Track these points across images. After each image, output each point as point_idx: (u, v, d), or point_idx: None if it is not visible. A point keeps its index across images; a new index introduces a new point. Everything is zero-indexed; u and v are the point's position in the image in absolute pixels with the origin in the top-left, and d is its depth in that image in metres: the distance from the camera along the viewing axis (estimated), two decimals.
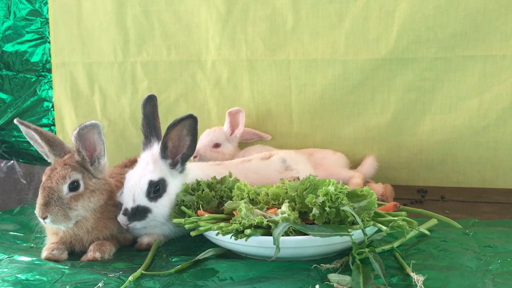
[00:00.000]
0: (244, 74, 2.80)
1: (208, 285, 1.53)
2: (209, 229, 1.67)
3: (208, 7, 2.77)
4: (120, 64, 2.97)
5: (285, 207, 1.64)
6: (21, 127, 1.91)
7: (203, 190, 1.88)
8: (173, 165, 1.90)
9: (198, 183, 1.92)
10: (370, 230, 1.65)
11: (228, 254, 1.75)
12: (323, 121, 2.74)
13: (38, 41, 3.08)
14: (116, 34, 2.93)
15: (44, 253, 1.81)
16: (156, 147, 1.92)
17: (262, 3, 2.70)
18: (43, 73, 3.12)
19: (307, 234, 1.55)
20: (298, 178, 1.92)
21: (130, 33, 2.91)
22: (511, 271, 1.55)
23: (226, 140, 2.66)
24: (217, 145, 2.63)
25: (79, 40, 3.00)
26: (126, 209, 1.84)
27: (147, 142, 1.95)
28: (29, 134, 1.92)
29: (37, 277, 1.61)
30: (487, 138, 2.56)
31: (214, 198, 1.87)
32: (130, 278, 1.56)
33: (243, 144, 2.80)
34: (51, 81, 3.11)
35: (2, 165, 3.39)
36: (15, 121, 1.93)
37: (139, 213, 1.84)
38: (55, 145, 1.91)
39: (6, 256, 1.81)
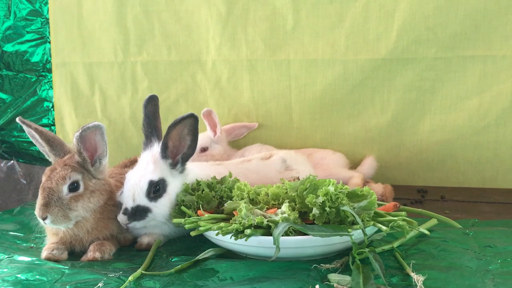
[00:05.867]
0: (244, 74, 2.80)
1: (208, 285, 1.53)
2: (209, 229, 1.67)
3: (209, 7, 2.77)
4: (120, 64, 2.97)
5: (285, 207, 1.65)
6: (23, 126, 1.91)
7: (203, 190, 1.88)
8: (173, 165, 1.90)
9: (198, 183, 1.92)
10: (370, 230, 1.65)
11: (228, 254, 1.75)
12: (323, 121, 2.74)
13: (39, 41, 3.08)
14: (116, 34, 2.93)
15: (44, 253, 1.82)
16: (156, 147, 1.92)
17: (262, 3, 2.70)
18: (43, 73, 3.12)
19: (307, 234, 1.55)
20: (298, 178, 1.92)
21: (130, 33, 2.91)
22: (511, 271, 1.55)
23: (212, 142, 2.66)
24: (204, 149, 2.63)
25: (80, 40, 3.00)
26: (126, 209, 1.84)
27: (147, 142, 1.96)
28: (30, 133, 1.93)
29: (37, 277, 1.61)
30: (487, 138, 2.56)
31: (214, 198, 1.87)
32: (130, 278, 1.56)
33: (242, 142, 2.81)
34: (51, 81, 3.11)
35: (2, 165, 3.39)
36: (17, 119, 1.93)
37: (139, 212, 1.84)
38: (55, 145, 1.91)
39: (6, 256, 1.81)
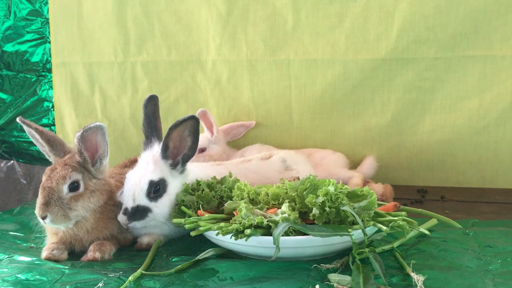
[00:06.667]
0: (244, 74, 2.80)
1: (208, 285, 1.53)
2: (209, 229, 1.67)
3: (209, 7, 2.78)
4: (120, 64, 2.97)
5: (285, 207, 1.64)
6: (23, 126, 1.91)
7: (203, 190, 1.88)
8: (173, 166, 1.90)
9: (198, 183, 1.92)
10: (370, 230, 1.65)
11: (228, 254, 1.75)
12: (323, 121, 2.75)
13: (39, 41, 3.08)
14: (117, 34, 2.93)
15: (44, 253, 1.81)
16: (156, 147, 1.92)
17: (262, 3, 2.70)
18: (43, 73, 3.12)
19: (307, 234, 1.55)
20: (298, 178, 1.92)
21: (130, 33, 2.91)
22: (511, 271, 1.55)
23: (210, 143, 2.67)
24: (202, 150, 2.63)
25: (79, 40, 3.00)
26: (126, 209, 1.84)
27: (147, 142, 1.96)
28: (30, 133, 1.93)
29: (37, 277, 1.61)
30: (487, 138, 2.56)
31: (214, 198, 1.87)
32: (130, 278, 1.56)
33: (242, 142, 2.81)
34: (51, 81, 3.11)
35: (2, 165, 3.39)
36: (17, 119, 1.93)
37: (139, 212, 1.84)
38: (55, 145, 1.91)
39: (6, 256, 1.81)
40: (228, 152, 2.70)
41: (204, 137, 2.65)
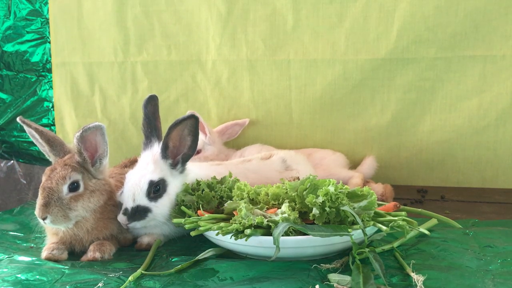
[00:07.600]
0: (244, 74, 2.80)
1: (208, 285, 1.53)
2: (209, 229, 1.67)
3: (209, 7, 2.78)
4: (121, 64, 2.97)
5: (285, 207, 1.65)
6: (23, 126, 1.91)
7: (203, 190, 1.88)
8: (173, 165, 1.90)
9: (198, 183, 1.92)
10: (370, 230, 1.65)
11: (228, 254, 1.75)
12: (323, 121, 2.75)
13: (38, 41, 3.08)
14: (117, 34, 2.93)
15: (44, 253, 1.81)
16: (156, 147, 1.92)
17: (262, 3, 2.70)
18: (43, 73, 3.12)
19: (307, 234, 1.55)
20: (298, 178, 1.92)
21: (130, 33, 2.91)
22: (511, 271, 1.55)
23: (205, 144, 2.66)
24: (197, 152, 2.62)
25: (80, 40, 3.00)
26: (126, 209, 1.85)
27: (147, 142, 1.96)
28: (30, 133, 1.93)
29: (37, 277, 1.61)
30: (487, 138, 2.56)
31: (214, 198, 1.87)
32: (130, 278, 1.56)
33: (242, 142, 2.80)
34: (51, 81, 3.11)
35: (2, 165, 3.39)
36: (17, 119, 1.93)
37: (139, 213, 1.84)
38: (55, 145, 1.91)
39: (6, 256, 1.81)
40: (227, 152, 2.70)
41: (199, 138, 2.65)
